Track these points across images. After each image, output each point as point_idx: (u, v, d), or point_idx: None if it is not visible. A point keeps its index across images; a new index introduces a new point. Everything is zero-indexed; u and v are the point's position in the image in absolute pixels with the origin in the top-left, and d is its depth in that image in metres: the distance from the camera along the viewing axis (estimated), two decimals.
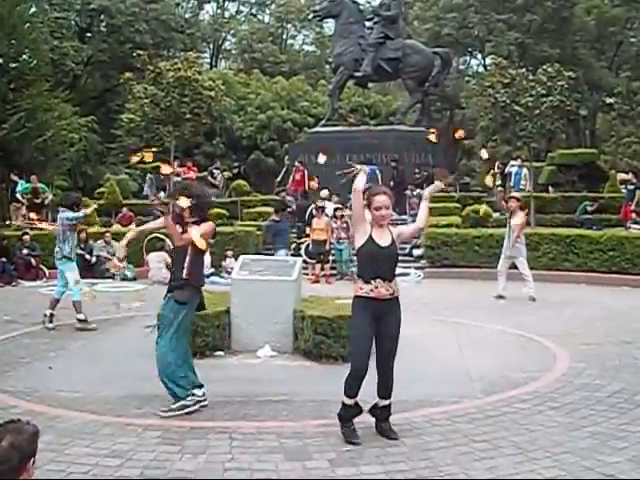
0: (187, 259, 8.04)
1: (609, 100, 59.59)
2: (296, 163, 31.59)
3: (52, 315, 13.77)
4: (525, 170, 30.67)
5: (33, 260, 22.40)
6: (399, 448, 6.77)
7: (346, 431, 7.12)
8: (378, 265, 7.20)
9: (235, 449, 6.81)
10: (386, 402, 7.34)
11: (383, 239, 7.27)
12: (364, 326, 7.17)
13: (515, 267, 17.46)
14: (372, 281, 7.14)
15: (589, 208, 27.99)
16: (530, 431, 7.25)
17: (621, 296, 17.89)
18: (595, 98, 59.51)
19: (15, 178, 27.87)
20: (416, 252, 23.91)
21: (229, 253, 22.56)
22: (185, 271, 8.06)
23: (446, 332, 12.83)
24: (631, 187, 28.71)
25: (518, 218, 17.40)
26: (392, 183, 28.98)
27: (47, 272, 22.00)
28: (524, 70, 29.10)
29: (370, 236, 7.23)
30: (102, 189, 32.60)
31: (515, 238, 17.24)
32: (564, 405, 8.18)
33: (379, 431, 7.29)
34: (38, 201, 27.01)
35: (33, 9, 39.49)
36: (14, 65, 32.58)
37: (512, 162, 32.52)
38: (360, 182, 7.40)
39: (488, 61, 58.50)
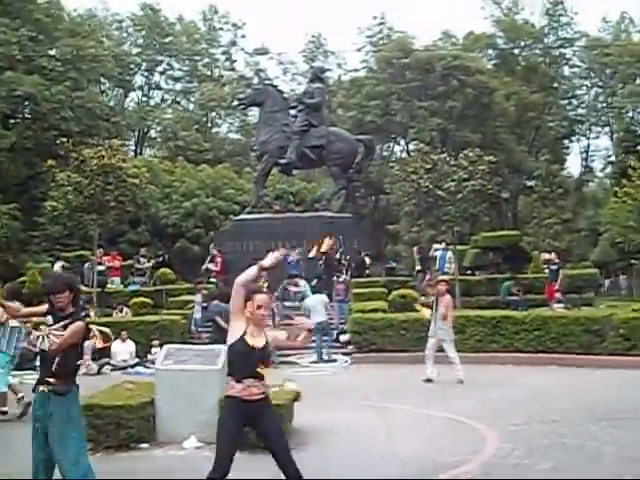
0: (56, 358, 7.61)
1: (530, 183, 61.17)
2: (214, 251, 31.61)
3: None
4: (450, 253, 30.98)
5: None
6: None
7: None
8: (250, 365, 7.07)
9: None
10: None
11: (257, 340, 7.12)
12: (229, 429, 7.03)
13: (442, 350, 17.48)
14: (244, 380, 7.01)
15: (514, 290, 28.29)
16: None
17: (548, 375, 17.99)
18: (516, 181, 60.94)
19: None
20: (343, 338, 23.83)
21: (155, 343, 22.19)
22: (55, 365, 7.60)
23: (374, 417, 12.73)
24: (554, 267, 29.21)
25: (446, 300, 17.55)
26: (321, 268, 29.12)
27: None
28: (446, 155, 29.68)
29: (243, 335, 7.07)
30: (24, 278, 32.02)
31: (450, 320, 17.41)
32: None
33: None
34: None
35: None
36: None
37: (436, 245, 32.91)
38: (251, 271, 7.18)
39: (411, 147, 59.71)
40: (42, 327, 7.75)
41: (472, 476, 8.59)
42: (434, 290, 18.10)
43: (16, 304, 9.46)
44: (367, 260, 31.12)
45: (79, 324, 7.66)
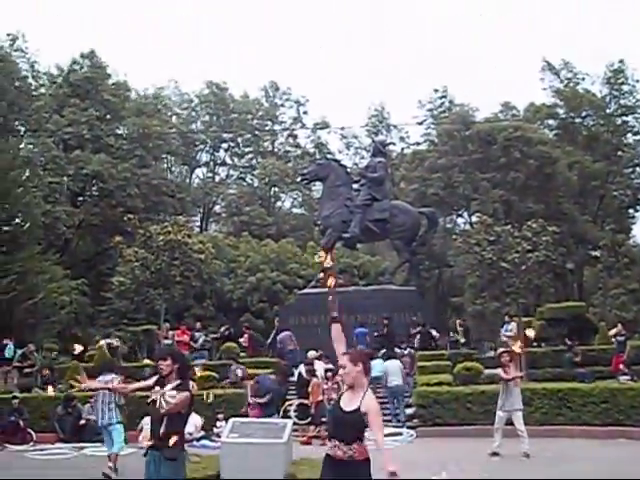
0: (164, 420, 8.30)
1: (595, 253, 60.43)
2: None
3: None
4: (513, 324, 30.82)
5: (22, 423, 22.13)
6: None
7: None
8: (337, 427, 7.34)
9: None
10: None
11: (350, 403, 7.34)
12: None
13: (511, 423, 17.30)
14: (332, 440, 7.32)
15: (575, 358, 27.98)
16: None
17: (616, 449, 17.70)
18: (581, 251, 60.32)
19: (5, 341, 27.79)
20: (408, 411, 23.69)
21: (220, 416, 22.29)
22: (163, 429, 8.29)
23: None
24: (621, 338, 28.82)
25: (513, 370, 17.51)
26: (380, 339, 29.08)
27: (35, 436, 21.72)
28: (509, 227, 29.58)
29: (338, 399, 7.40)
30: (92, 352, 32.43)
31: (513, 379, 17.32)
32: None
33: None
34: (27, 368, 26.88)
35: (27, 173, 40.36)
36: (6, 228, 33.00)
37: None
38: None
39: (474, 219, 59.55)
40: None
41: None
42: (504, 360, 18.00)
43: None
44: (434, 333, 31.02)
45: (186, 394, 8.31)
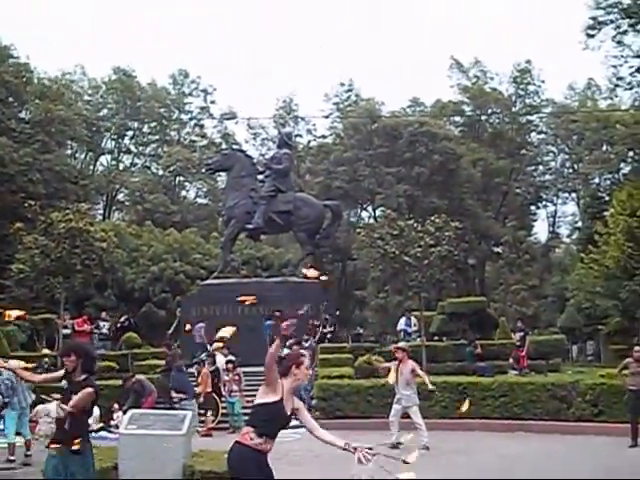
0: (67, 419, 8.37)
1: (497, 249, 61.62)
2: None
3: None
4: (414, 319, 31.22)
5: None
6: None
7: None
8: (277, 428, 7.53)
9: None
10: None
11: (289, 407, 7.56)
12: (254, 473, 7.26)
13: (408, 416, 17.44)
14: (265, 437, 7.36)
15: (476, 350, 28.47)
16: None
17: (515, 442, 18.00)
18: (483, 247, 61.39)
19: None
20: (314, 402, 23.68)
21: (116, 407, 22.04)
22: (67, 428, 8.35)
23: None
24: (521, 333, 29.38)
25: (410, 366, 17.58)
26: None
27: None
28: (413, 221, 29.82)
29: (280, 400, 7.46)
30: None
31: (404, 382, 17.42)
32: None
33: None
34: None
35: None
36: None
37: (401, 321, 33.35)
38: (275, 346, 7.60)
39: (378, 213, 60.18)
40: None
41: None
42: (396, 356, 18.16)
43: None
44: (334, 326, 31.17)
45: (88, 390, 8.34)
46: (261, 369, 22.89)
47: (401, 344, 20.88)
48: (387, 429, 17.68)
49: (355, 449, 7.63)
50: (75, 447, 8.30)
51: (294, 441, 14.82)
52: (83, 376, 8.48)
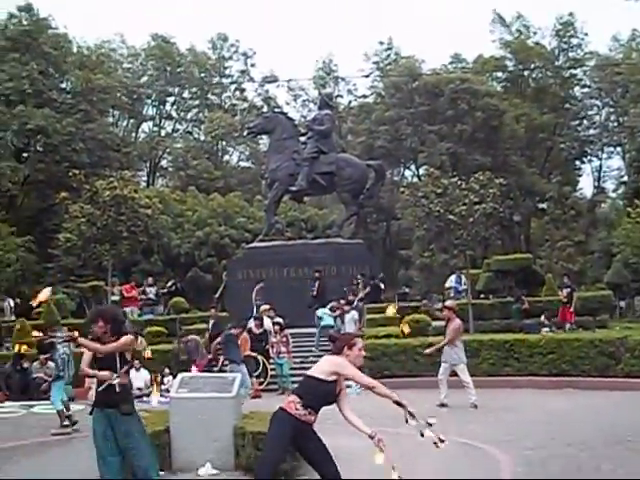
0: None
1: (541, 205, 61.03)
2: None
3: None
4: (463, 277, 31.16)
5: None
6: None
7: None
8: (323, 403, 7.62)
9: None
10: None
11: (338, 386, 7.68)
12: (281, 444, 7.34)
13: (456, 374, 17.46)
14: (310, 409, 7.45)
15: (523, 306, 28.38)
16: None
17: (563, 398, 17.94)
18: (528, 203, 60.84)
19: None
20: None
21: (166, 372, 22.30)
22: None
23: (389, 444, 12.69)
24: (567, 290, 29.15)
25: (454, 325, 17.56)
26: (315, 294, 29.18)
27: None
28: (457, 179, 29.58)
29: (336, 380, 7.61)
30: (39, 309, 32.13)
31: (448, 342, 17.39)
32: None
33: None
34: None
35: None
36: None
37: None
38: None
39: (421, 171, 59.77)
40: None
41: None
42: (443, 315, 18.17)
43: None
44: (382, 285, 31.16)
45: (126, 337, 8.81)
46: (308, 330, 22.99)
47: (449, 303, 20.82)
48: (435, 387, 17.74)
49: (379, 440, 7.99)
50: (125, 409, 8.60)
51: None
52: (112, 338, 8.70)
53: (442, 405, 17.22)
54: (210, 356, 22.86)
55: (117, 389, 8.60)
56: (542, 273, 37.81)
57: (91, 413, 8.88)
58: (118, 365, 8.70)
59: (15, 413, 19.37)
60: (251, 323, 24.05)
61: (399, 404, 7.65)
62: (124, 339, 8.73)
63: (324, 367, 7.63)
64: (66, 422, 15.65)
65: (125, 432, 8.65)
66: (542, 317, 27.57)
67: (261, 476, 7.06)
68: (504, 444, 11.91)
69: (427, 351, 18.94)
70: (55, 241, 39.84)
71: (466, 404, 16.90)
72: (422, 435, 7.59)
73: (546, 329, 26.10)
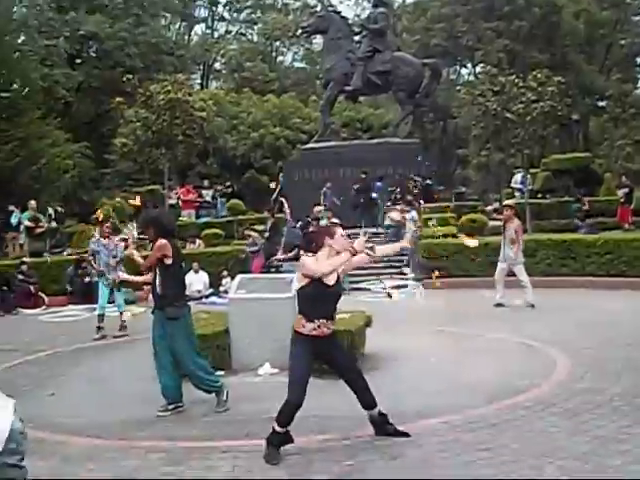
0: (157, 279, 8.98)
1: (601, 103, 59.76)
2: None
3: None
4: (528, 176, 30.95)
5: (32, 288, 22.36)
6: (401, 460, 6.76)
7: (271, 452, 7.05)
8: (324, 305, 7.29)
9: (238, 468, 6.81)
10: (376, 410, 7.48)
11: (331, 279, 7.28)
12: (303, 362, 7.21)
13: (513, 274, 17.44)
14: (316, 320, 7.21)
15: (583, 207, 28.12)
16: (532, 437, 7.24)
17: (620, 299, 17.84)
18: (587, 102, 59.61)
19: (12, 208, 27.78)
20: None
21: (224, 273, 22.57)
22: (159, 289, 8.94)
23: (446, 342, 12.84)
24: (626, 189, 28.78)
25: (514, 225, 17.44)
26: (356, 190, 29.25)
27: (46, 300, 22.03)
28: (514, 77, 29.10)
29: (317, 279, 7.20)
30: (98, 214, 32.49)
31: (517, 245, 17.29)
32: (566, 410, 8.17)
33: (387, 433, 7.44)
34: (38, 230, 26.86)
35: (22, 38, 39.61)
36: (5, 94, 32.61)
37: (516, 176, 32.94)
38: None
39: (478, 69, 58.75)
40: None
41: (541, 401, 8.62)
42: (501, 215, 18.04)
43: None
44: (432, 183, 31.14)
45: (158, 242, 8.98)
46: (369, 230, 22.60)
47: (509, 202, 20.71)
48: (491, 287, 17.77)
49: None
50: (169, 313, 8.84)
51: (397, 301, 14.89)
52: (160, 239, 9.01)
53: (499, 305, 17.27)
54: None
55: (159, 292, 8.93)
56: (600, 173, 37.32)
57: (153, 313, 9.15)
58: (157, 270, 9.02)
59: (78, 316, 19.78)
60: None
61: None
62: (156, 245, 9.02)
63: (297, 276, 7.56)
64: (124, 323, 16.10)
65: (170, 335, 8.87)
66: (575, 219, 27.35)
67: (292, 395, 7.10)
68: (561, 344, 11.93)
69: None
70: (111, 146, 40.15)
71: (523, 304, 16.94)
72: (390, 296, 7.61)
73: (582, 230, 25.83)
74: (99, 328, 15.66)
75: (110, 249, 16.16)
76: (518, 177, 32.90)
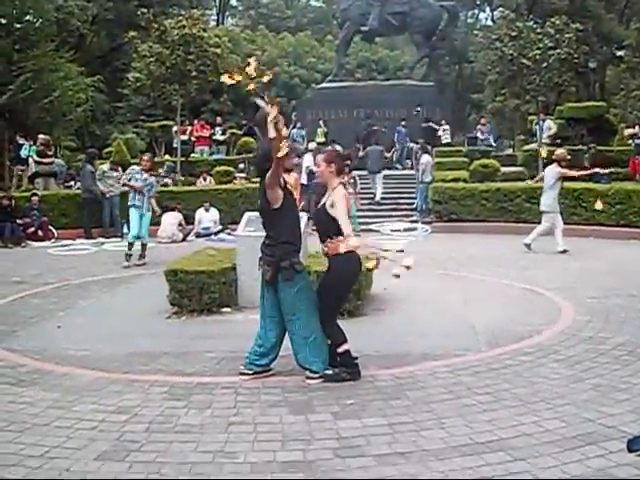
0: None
1: (619, 53, 59.02)
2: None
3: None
4: (548, 122, 30.69)
5: (42, 220, 22.39)
6: (402, 401, 6.81)
7: (357, 370, 7.53)
8: (315, 225, 7.89)
9: (240, 404, 6.87)
10: None
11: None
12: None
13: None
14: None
15: (593, 151, 28.03)
16: (532, 383, 7.30)
17: (629, 250, 17.88)
18: (605, 51, 58.89)
19: (21, 140, 27.76)
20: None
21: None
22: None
23: (452, 286, 12.90)
24: (638, 141, 28.55)
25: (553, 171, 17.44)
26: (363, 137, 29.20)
27: (56, 233, 22.11)
28: (532, 22, 28.90)
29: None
30: (110, 148, 32.52)
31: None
32: (567, 358, 8.21)
33: None
34: (46, 161, 26.82)
35: None
36: (18, 26, 32.43)
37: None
38: None
39: (496, 14, 58.05)
40: None
41: (543, 347, 8.67)
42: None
43: None
44: (437, 128, 30.99)
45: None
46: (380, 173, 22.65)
47: (560, 151, 20.64)
48: (500, 232, 17.80)
49: None
50: (267, 276, 7.62)
51: (406, 243, 14.93)
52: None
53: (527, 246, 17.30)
54: None
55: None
56: (615, 122, 37.02)
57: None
58: None
59: (87, 250, 19.88)
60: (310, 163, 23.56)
61: None
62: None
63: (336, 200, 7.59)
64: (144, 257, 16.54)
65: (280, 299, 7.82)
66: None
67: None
68: (567, 292, 11.98)
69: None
70: (124, 81, 39.89)
71: (533, 251, 17.04)
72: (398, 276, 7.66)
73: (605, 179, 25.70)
74: (129, 256, 16.19)
75: (147, 182, 16.50)
76: (549, 123, 32.42)
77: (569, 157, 18.00)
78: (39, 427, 6.26)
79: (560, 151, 19.04)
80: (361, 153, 27.47)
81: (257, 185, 7.66)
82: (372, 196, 25.65)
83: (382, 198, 25.54)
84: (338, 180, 7.65)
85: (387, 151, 27.83)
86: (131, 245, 16.24)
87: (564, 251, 16.77)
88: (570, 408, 6.50)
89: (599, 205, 18.43)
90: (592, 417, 6.26)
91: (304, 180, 23.25)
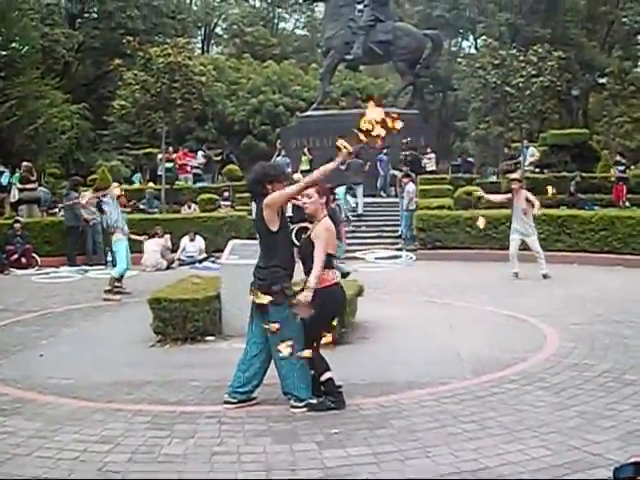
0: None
1: (601, 80, 59.50)
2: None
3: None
4: (532, 149, 30.90)
5: (25, 248, 22.27)
6: (387, 430, 6.77)
7: (341, 399, 7.48)
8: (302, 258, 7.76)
9: (224, 433, 6.82)
10: None
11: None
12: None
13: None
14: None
15: (578, 179, 28.18)
16: (518, 411, 7.26)
17: (613, 276, 17.93)
18: (587, 78, 59.34)
19: (1, 168, 27.56)
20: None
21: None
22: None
23: (436, 313, 12.89)
24: (621, 168, 28.78)
25: (524, 196, 17.49)
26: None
27: (39, 260, 22.01)
28: (515, 50, 29.08)
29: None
30: (94, 176, 32.45)
31: (535, 211, 17.55)
32: (553, 385, 8.19)
33: None
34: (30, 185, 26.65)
35: None
36: (4, 53, 32.50)
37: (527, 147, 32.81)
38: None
39: (479, 42, 58.51)
40: None
41: (528, 375, 8.66)
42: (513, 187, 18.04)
43: None
44: (421, 157, 31.12)
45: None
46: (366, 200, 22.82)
47: (516, 175, 20.75)
48: (485, 260, 17.82)
49: None
50: (257, 300, 7.67)
51: (391, 271, 14.97)
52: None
53: (516, 275, 17.35)
54: None
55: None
56: (598, 149, 37.26)
57: None
58: None
59: (70, 277, 19.79)
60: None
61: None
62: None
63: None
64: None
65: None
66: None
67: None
68: (551, 318, 11.99)
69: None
70: (109, 108, 39.97)
71: (512, 277, 17.07)
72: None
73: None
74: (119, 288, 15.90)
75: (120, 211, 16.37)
76: (532, 150, 32.58)
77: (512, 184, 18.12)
78: (20, 457, 6.20)
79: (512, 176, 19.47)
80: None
81: (241, 213, 7.77)
82: (354, 207, 26.18)
83: (367, 226, 25.62)
84: (324, 213, 7.67)
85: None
86: (121, 278, 16.01)
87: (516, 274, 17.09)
88: (556, 436, 6.47)
89: (481, 223, 18.54)
90: (578, 445, 6.23)
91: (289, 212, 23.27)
